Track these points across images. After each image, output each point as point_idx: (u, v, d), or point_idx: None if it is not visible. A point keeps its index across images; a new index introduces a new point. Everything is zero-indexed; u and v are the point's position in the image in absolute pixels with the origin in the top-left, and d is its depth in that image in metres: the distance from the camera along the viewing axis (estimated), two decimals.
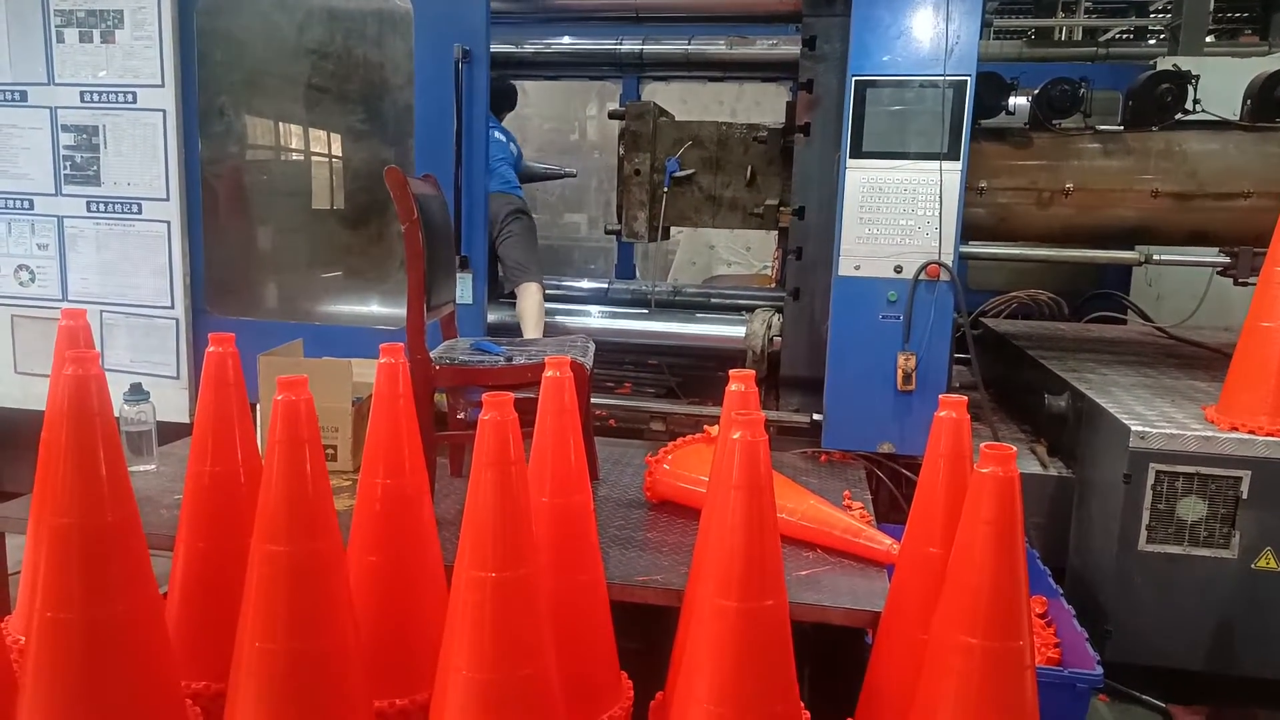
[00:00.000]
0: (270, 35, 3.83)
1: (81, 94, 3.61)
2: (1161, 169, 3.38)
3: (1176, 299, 5.08)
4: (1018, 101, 3.55)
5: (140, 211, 3.65)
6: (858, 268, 3.20)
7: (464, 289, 3.45)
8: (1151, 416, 2.82)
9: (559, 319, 3.95)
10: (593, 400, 3.21)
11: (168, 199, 3.62)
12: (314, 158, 4.25)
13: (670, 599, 2.26)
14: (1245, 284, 3.26)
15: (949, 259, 3.12)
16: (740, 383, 2.13)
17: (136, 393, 2.96)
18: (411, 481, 2.02)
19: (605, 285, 4.42)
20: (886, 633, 2.01)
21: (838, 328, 3.25)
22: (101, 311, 3.70)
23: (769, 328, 3.66)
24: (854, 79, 3.12)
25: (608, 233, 4.10)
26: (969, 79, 3.05)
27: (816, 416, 3.41)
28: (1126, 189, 3.40)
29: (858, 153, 3.15)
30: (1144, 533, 2.69)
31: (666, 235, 4.04)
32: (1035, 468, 3.21)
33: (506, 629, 1.62)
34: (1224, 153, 3.38)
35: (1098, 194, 3.41)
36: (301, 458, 1.64)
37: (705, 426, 2.95)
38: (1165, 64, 3.86)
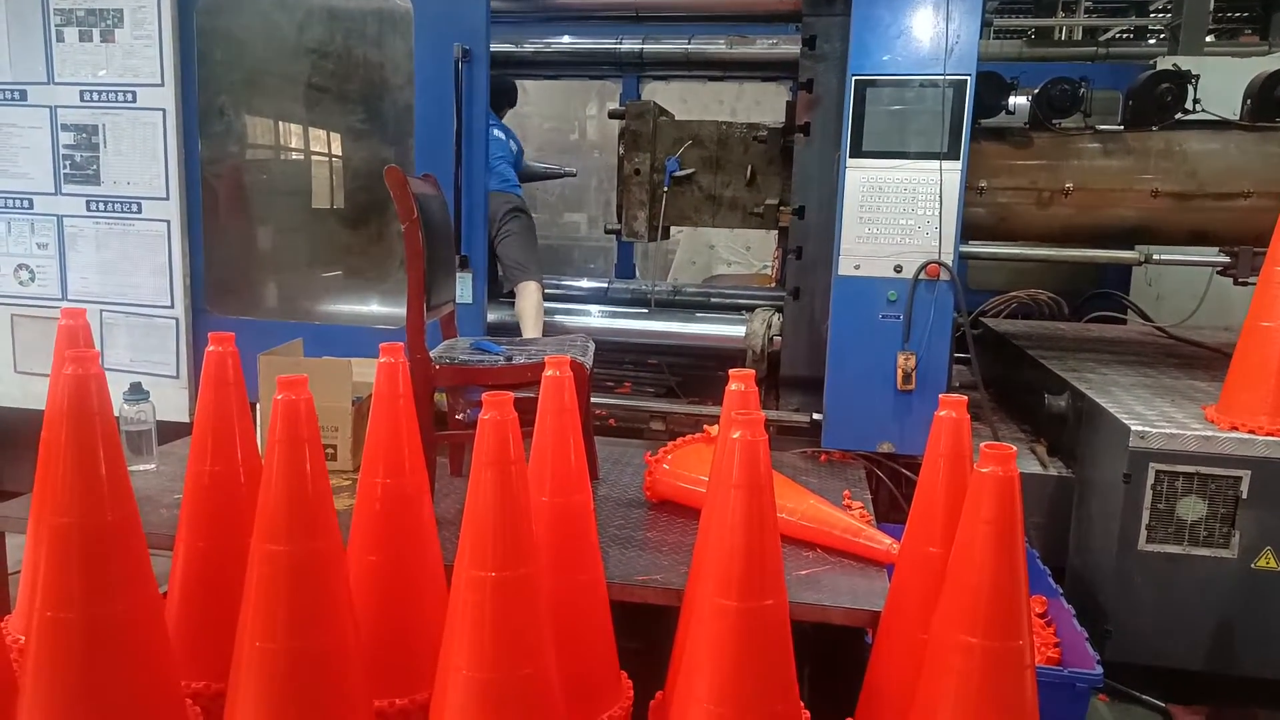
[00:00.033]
0: (270, 34, 3.83)
1: (81, 93, 3.61)
2: (1161, 169, 3.38)
3: (1176, 299, 5.08)
4: (1018, 101, 3.55)
5: (140, 211, 3.65)
6: (858, 267, 3.20)
7: (464, 288, 3.46)
8: (1151, 416, 2.82)
9: (559, 318, 3.95)
10: (593, 400, 3.21)
11: (167, 198, 3.62)
12: (314, 157, 4.25)
13: (670, 599, 2.26)
14: (1245, 284, 3.26)
15: (949, 259, 3.12)
16: (740, 382, 2.13)
17: (136, 392, 2.96)
18: (411, 481, 2.02)
19: (605, 285, 4.42)
20: (886, 632, 2.01)
21: (838, 327, 3.25)
22: (101, 311, 3.70)
23: (769, 327, 3.66)
24: (854, 78, 3.12)
25: (608, 232, 4.11)
26: (969, 79, 3.05)
27: (816, 416, 3.41)
28: (1126, 189, 3.40)
29: (858, 152, 3.15)
30: (1144, 532, 2.70)
31: (666, 235, 4.04)
32: (1035, 468, 3.21)
33: (506, 629, 1.62)
34: (1224, 152, 3.38)
35: (1098, 194, 3.41)
36: (301, 457, 1.64)
37: (705, 426, 2.94)
38: (1165, 64, 3.87)
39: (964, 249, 3.29)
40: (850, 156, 3.15)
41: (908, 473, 3.26)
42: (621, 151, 3.75)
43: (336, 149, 4.14)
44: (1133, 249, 3.39)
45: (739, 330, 3.72)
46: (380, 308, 3.94)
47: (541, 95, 5.82)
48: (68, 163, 3.66)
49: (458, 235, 3.43)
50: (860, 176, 3.16)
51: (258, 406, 2.74)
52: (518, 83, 4.62)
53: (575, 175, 5.26)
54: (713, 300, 4.30)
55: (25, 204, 3.72)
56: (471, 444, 1.67)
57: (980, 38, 3.07)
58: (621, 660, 2.09)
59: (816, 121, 3.42)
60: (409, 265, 2.67)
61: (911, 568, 1.95)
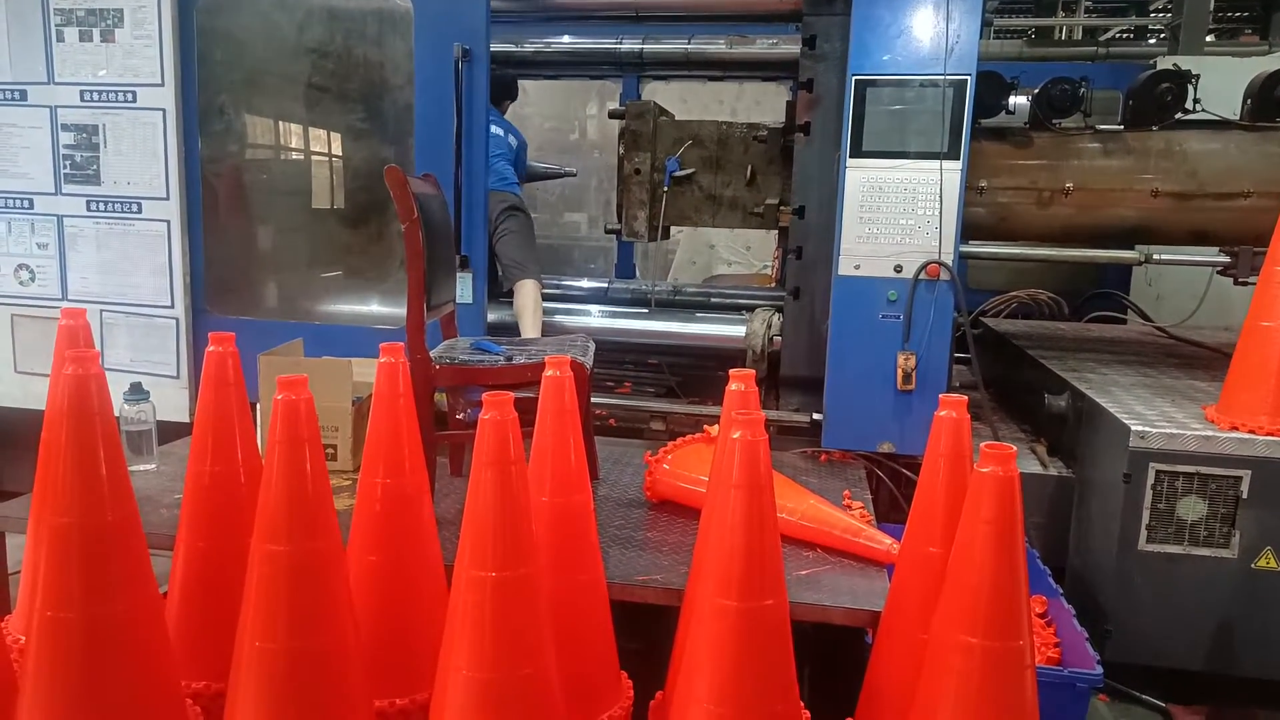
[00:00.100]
0: (270, 34, 3.83)
1: (81, 93, 3.61)
2: (1161, 169, 3.38)
3: (1176, 299, 5.08)
4: (1018, 101, 3.55)
5: (140, 211, 3.65)
6: (858, 267, 3.20)
7: (464, 288, 3.46)
8: (1151, 416, 2.82)
9: (559, 318, 3.94)
10: (593, 400, 3.21)
11: (168, 198, 3.62)
12: (314, 157, 4.25)
13: (670, 599, 2.25)
14: (1245, 284, 3.26)
15: (949, 258, 3.12)
16: (740, 382, 2.13)
17: (136, 392, 2.96)
18: (411, 481, 2.02)
19: (605, 285, 4.42)
20: (886, 632, 2.01)
21: (838, 327, 3.25)
22: (101, 311, 3.70)
23: (769, 327, 3.66)
24: (854, 78, 3.12)
25: (608, 232, 4.10)
26: (969, 78, 3.05)
27: (816, 416, 3.41)
28: (1126, 189, 3.40)
29: (858, 152, 3.15)
30: (1144, 532, 2.69)
31: (666, 235, 4.04)
32: (1035, 468, 3.21)
33: (506, 629, 1.62)
34: (1224, 152, 3.38)
35: (1098, 194, 3.41)
36: (301, 457, 1.64)
37: (705, 426, 2.94)
38: (1165, 63, 3.87)
39: (964, 249, 3.29)
40: (850, 156, 3.15)
41: (908, 473, 3.26)
42: (621, 151, 3.75)
43: (336, 149, 4.14)
44: (1133, 249, 3.39)
45: (739, 330, 3.72)
46: (380, 308, 3.94)
47: (541, 95, 5.82)
48: (68, 163, 3.66)
49: (458, 235, 3.43)
50: (860, 176, 3.16)
51: (258, 406, 2.75)
52: (518, 82, 4.62)
53: (575, 175, 5.26)
54: (713, 300, 4.30)
55: (25, 204, 3.72)
56: (471, 444, 1.67)
57: (980, 38, 3.07)
58: (621, 660, 2.09)
59: (816, 121, 3.42)
60: (409, 265, 2.67)
61: (911, 568, 1.95)
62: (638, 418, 3.76)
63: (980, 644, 1.60)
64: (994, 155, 3.45)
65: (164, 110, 3.56)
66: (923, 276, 3.14)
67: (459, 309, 3.27)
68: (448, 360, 2.77)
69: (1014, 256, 3.68)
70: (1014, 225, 3.53)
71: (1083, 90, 3.47)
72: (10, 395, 3.80)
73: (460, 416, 3.17)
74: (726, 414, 2.18)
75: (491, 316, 3.76)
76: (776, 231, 3.98)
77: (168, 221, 3.63)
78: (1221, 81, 3.60)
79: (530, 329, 3.72)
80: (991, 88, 3.41)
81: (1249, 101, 3.47)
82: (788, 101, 3.95)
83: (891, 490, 3.34)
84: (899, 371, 3.17)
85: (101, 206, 3.67)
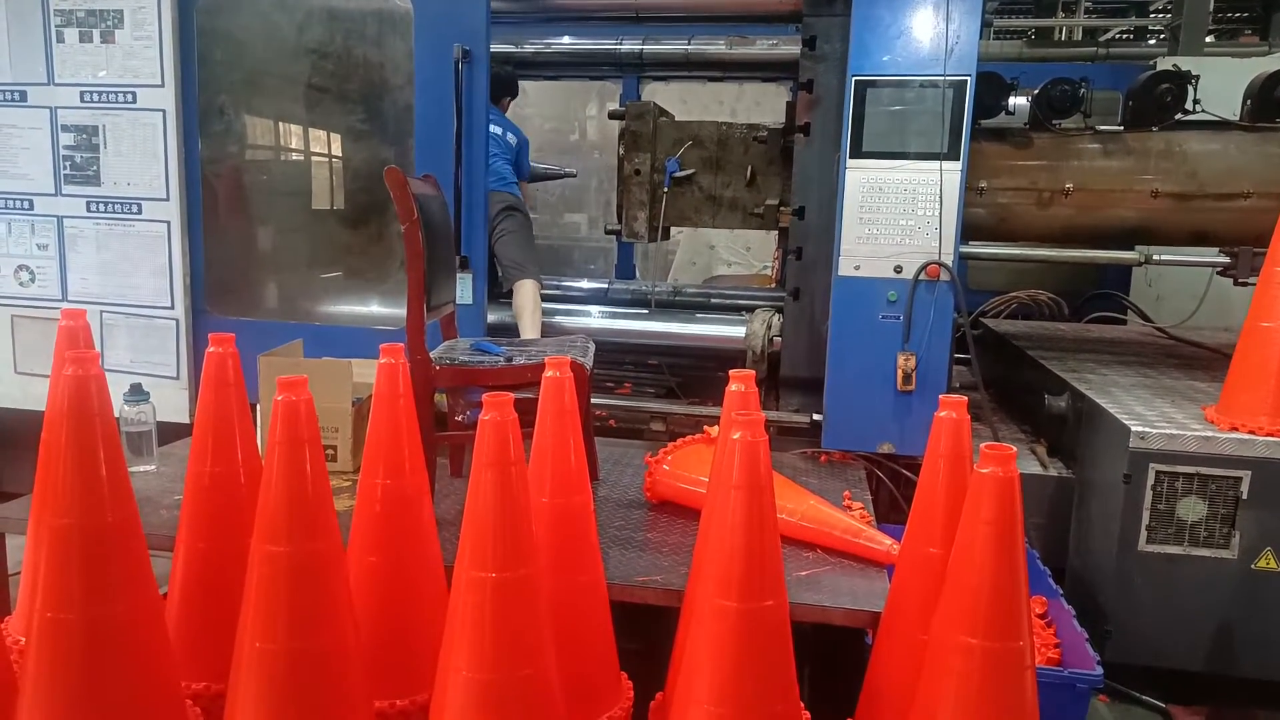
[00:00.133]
0: (270, 35, 3.83)
1: (81, 94, 3.61)
2: (1161, 169, 3.38)
3: (1176, 299, 5.08)
4: (1018, 101, 3.55)
5: (140, 211, 3.65)
6: (858, 268, 3.20)
7: (464, 289, 3.46)
8: (1151, 417, 2.82)
9: (559, 319, 3.95)
10: (593, 400, 3.21)
11: (168, 199, 3.62)
12: (314, 158, 4.25)
13: (670, 599, 2.25)
14: (1245, 284, 3.26)
15: (949, 259, 3.12)
16: (740, 383, 2.13)
17: (136, 393, 2.96)
18: (411, 482, 2.02)
19: (605, 285, 4.42)
20: (886, 633, 2.01)
21: (838, 328, 3.26)
22: (101, 312, 3.70)
23: (769, 328, 3.66)
24: (854, 79, 3.12)
25: (608, 233, 4.10)
26: (969, 79, 3.05)
27: (816, 416, 3.41)
28: (1126, 189, 3.40)
29: (858, 153, 3.15)
30: (1144, 533, 2.69)
31: (666, 235, 4.04)
32: (1035, 468, 3.21)
33: (506, 629, 1.62)
34: (1224, 153, 3.38)
35: (1098, 194, 3.41)
36: (301, 458, 1.64)
37: (705, 427, 2.95)
38: (1165, 64, 3.86)
39: (964, 249, 3.29)
40: (850, 157, 3.15)
41: (908, 473, 3.26)
42: (621, 152, 3.75)
43: (336, 149, 4.14)
44: (1133, 249, 3.38)
45: (739, 331, 3.72)
46: (380, 308, 3.95)
47: (541, 95, 5.82)
48: (68, 163, 3.66)
49: (458, 236, 3.43)
50: (860, 177, 3.16)
51: (258, 407, 2.75)
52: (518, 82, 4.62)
53: (575, 176, 5.26)
54: (713, 301, 4.30)
55: (25, 205, 3.72)
56: (472, 445, 1.67)
57: (980, 38, 3.07)
58: (621, 661, 2.09)
59: (816, 122, 3.42)
60: (409, 266, 2.67)
61: (911, 568, 1.95)
62: (638, 418, 3.76)
63: (980, 645, 1.60)
64: (994, 156, 3.46)
65: (164, 111, 3.56)
66: (923, 277, 3.14)
67: (459, 310, 3.27)
68: (448, 361, 2.78)
69: (1014, 257, 3.68)
70: (1014, 226, 3.53)
71: (1083, 91, 3.47)
72: (10, 396, 3.80)
73: (460, 417, 3.16)
74: (726, 415, 2.18)
75: (491, 317, 3.76)
76: (776, 232, 3.98)
77: (168, 222, 3.63)
78: (1221, 82, 3.60)
79: (529, 329, 3.71)
80: (991, 88, 3.41)
81: (1249, 102, 3.48)
82: (788, 102, 3.95)
83: (891, 491, 3.34)
84: (899, 372, 3.17)
85: (101, 207, 3.67)
